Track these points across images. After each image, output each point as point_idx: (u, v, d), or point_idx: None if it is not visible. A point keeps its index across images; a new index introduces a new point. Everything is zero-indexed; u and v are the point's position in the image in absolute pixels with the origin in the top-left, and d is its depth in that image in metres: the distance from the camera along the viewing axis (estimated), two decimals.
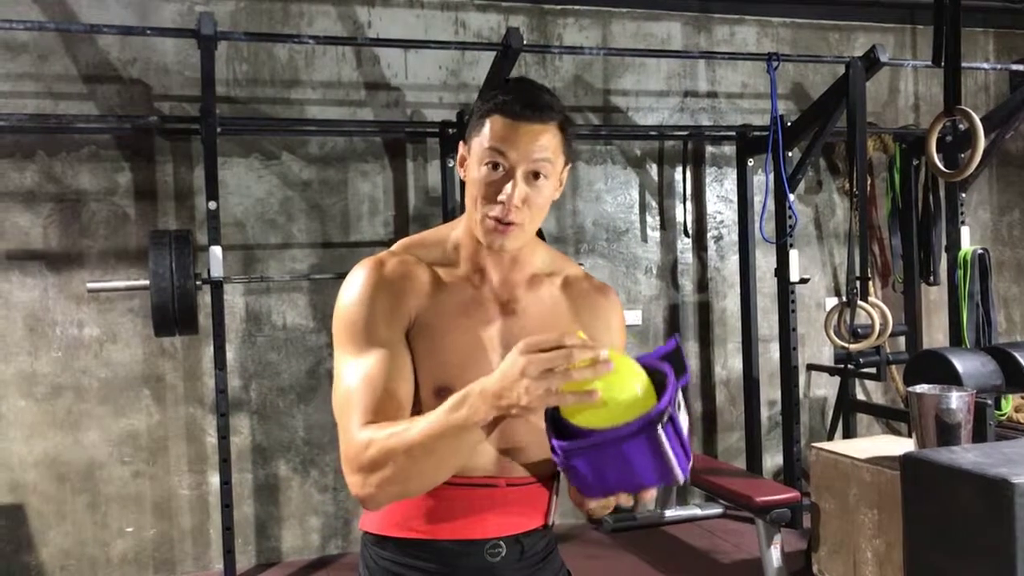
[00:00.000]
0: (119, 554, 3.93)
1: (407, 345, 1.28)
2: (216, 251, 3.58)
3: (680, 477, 1.05)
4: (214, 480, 3.95)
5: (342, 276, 1.38)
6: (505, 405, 1.07)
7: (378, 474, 1.17)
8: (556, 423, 1.10)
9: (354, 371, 1.25)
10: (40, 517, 3.84)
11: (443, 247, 1.37)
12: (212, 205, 3.59)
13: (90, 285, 3.63)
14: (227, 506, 3.65)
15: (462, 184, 1.33)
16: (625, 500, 1.13)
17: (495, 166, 1.26)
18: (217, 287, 3.62)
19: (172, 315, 3.45)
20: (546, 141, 1.26)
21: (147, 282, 3.45)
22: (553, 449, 1.06)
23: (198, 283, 3.53)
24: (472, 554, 1.31)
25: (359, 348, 1.26)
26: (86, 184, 3.89)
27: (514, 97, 1.26)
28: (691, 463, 1.09)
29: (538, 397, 1.04)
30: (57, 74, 3.86)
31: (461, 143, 1.35)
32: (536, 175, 1.26)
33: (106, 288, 3.70)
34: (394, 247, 1.38)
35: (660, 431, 1.01)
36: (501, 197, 1.25)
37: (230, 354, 3.97)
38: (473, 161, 1.29)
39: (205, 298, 3.76)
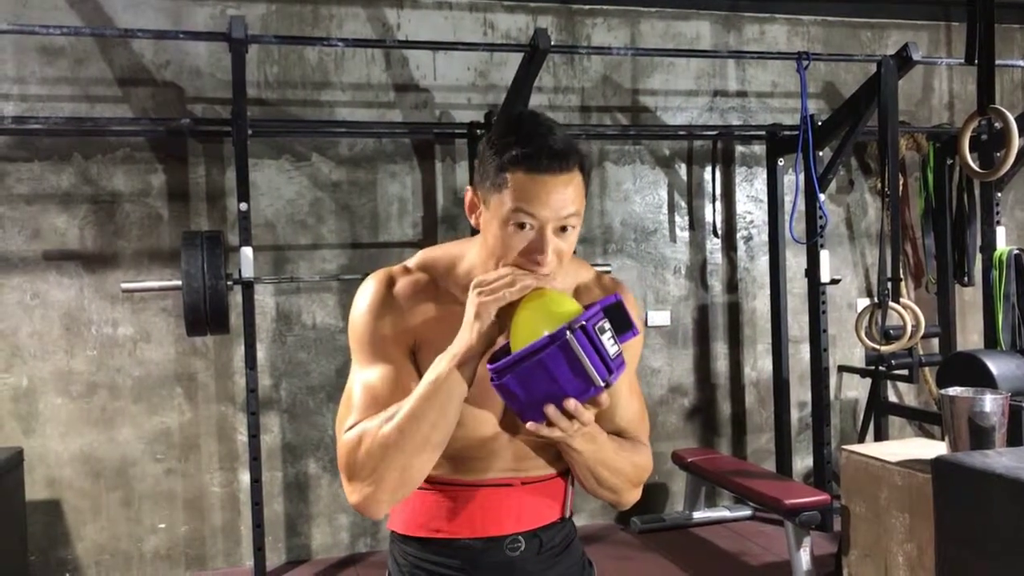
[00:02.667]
0: (152, 549, 4.00)
1: (413, 363, 1.30)
2: (247, 252, 3.63)
3: (599, 382, 1.13)
4: (245, 478, 4.00)
5: None
6: (467, 329, 1.19)
7: (371, 466, 1.19)
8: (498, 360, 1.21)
9: (356, 381, 1.29)
10: (76, 512, 3.91)
11: (456, 269, 1.35)
12: (243, 206, 3.63)
13: (124, 285, 3.69)
14: (257, 504, 3.70)
15: None
16: (566, 425, 1.15)
17: (522, 225, 1.20)
18: (248, 287, 3.66)
19: (204, 315, 3.49)
20: (572, 192, 1.21)
21: (179, 282, 3.50)
22: (491, 377, 1.16)
23: (229, 283, 3.57)
24: (492, 550, 1.35)
25: (365, 360, 1.30)
26: (120, 186, 3.96)
27: (535, 149, 1.18)
28: (616, 376, 1.17)
29: (486, 299, 1.17)
30: (93, 78, 3.93)
31: (469, 188, 1.29)
32: (564, 228, 1.22)
33: (140, 288, 3.76)
34: (411, 261, 1.38)
35: (571, 337, 1.11)
36: (535, 256, 1.20)
37: (261, 353, 4.02)
38: (493, 217, 1.22)
39: (236, 298, 3.80)
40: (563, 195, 1.19)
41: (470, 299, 1.20)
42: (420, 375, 1.29)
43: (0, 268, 3.84)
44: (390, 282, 1.33)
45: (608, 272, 1.54)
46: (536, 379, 1.13)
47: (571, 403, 1.13)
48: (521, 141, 1.19)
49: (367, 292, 1.33)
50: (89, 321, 3.93)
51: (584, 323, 1.13)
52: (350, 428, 1.24)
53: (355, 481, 1.21)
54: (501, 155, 1.20)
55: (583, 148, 1.25)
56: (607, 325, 1.17)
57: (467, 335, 1.19)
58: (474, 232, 1.34)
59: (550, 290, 1.21)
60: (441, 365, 1.20)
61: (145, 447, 3.99)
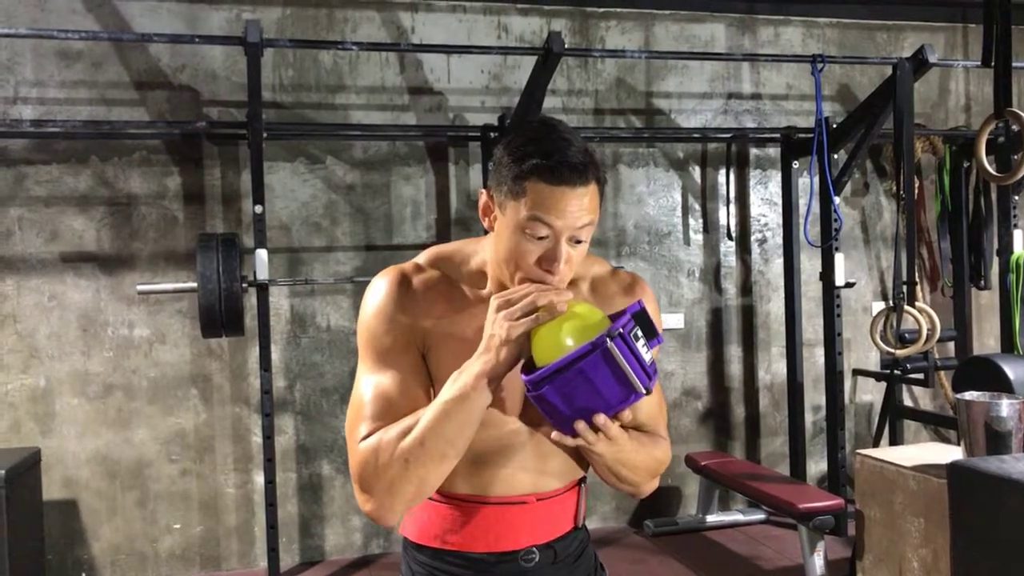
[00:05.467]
0: (167, 549, 4.02)
1: (425, 363, 1.29)
2: (262, 254, 3.65)
3: (642, 389, 1.14)
4: (259, 479, 4.02)
5: None
6: (493, 351, 1.17)
7: (388, 479, 1.19)
8: (530, 371, 1.20)
9: (367, 385, 1.27)
10: (92, 512, 3.94)
11: (467, 266, 1.35)
12: (258, 209, 3.65)
13: (140, 287, 3.72)
14: (271, 505, 3.71)
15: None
16: (592, 438, 1.15)
17: (537, 234, 1.20)
18: (263, 289, 3.68)
19: (219, 317, 3.52)
20: (588, 204, 1.21)
21: (195, 284, 3.52)
22: (527, 388, 1.15)
23: (244, 285, 3.59)
24: (507, 562, 1.34)
25: (376, 363, 1.28)
26: (137, 188, 3.99)
27: (555, 160, 1.18)
28: (654, 383, 1.17)
29: (515, 323, 1.16)
30: (110, 81, 3.96)
31: (483, 191, 1.28)
32: (579, 238, 1.23)
33: (155, 290, 3.79)
34: (421, 258, 1.37)
35: (611, 344, 1.11)
36: (548, 266, 1.21)
37: (275, 355, 4.04)
38: (508, 223, 1.22)
39: (251, 300, 3.83)
40: (579, 206, 1.20)
41: (493, 319, 1.18)
42: (431, 375, 1.28)
43: (18, 270, 3.88)
44: (402, 281, 1.31)
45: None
46: (576, 388, 1.12)
47: (600, 418, 1.14)
48: (541, 151, 1.19)
49: (379, 291, 1.31)
50: (105, 322, 3.96)
51: (621, 330, 1.13)
52: (365, 438, 1.22)
53: (370, 491, 1.20)
54: (520, 163, 1.19)
55: (599, 157, 1.24)
56: (640, 332, 1.16)
57: (493, 357, 1.17)
58: (485, 233, 1.34)
59: (571, 301, 1.20)
60: (465, 382, 1.18)
61: (160, 448, 4.02)
